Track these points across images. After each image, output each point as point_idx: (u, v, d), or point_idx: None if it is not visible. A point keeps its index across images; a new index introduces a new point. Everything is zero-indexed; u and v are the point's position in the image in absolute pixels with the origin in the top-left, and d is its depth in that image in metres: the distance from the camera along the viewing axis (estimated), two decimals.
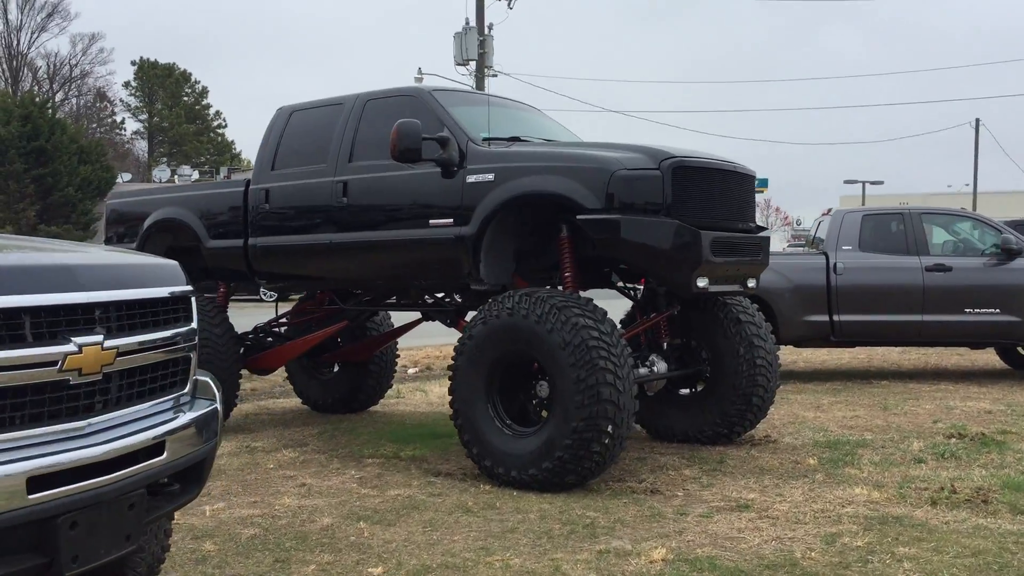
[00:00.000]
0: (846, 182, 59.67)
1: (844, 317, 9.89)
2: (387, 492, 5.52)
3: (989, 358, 12.10)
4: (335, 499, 5.38)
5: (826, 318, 9.93)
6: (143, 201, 8.17)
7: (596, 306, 5.54)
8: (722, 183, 5.97)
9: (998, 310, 9.66)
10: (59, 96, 63.07)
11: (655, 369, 6.41)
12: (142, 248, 7.94)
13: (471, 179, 6.07)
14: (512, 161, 5.98)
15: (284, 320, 8.52)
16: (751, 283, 6.30)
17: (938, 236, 10.27)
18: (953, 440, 6.87)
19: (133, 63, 68.64)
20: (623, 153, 5.77)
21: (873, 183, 59.69)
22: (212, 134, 71.55)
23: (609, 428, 5.27)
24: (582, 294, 5.85)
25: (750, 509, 5.05)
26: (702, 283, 5.76)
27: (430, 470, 6.12)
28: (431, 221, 6.24)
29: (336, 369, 8.87)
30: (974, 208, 52.95)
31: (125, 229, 8.14)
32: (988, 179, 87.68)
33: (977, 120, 52.69)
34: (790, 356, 12.84)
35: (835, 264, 9.95)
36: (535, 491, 5.45)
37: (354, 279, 7.06)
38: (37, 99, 46.01)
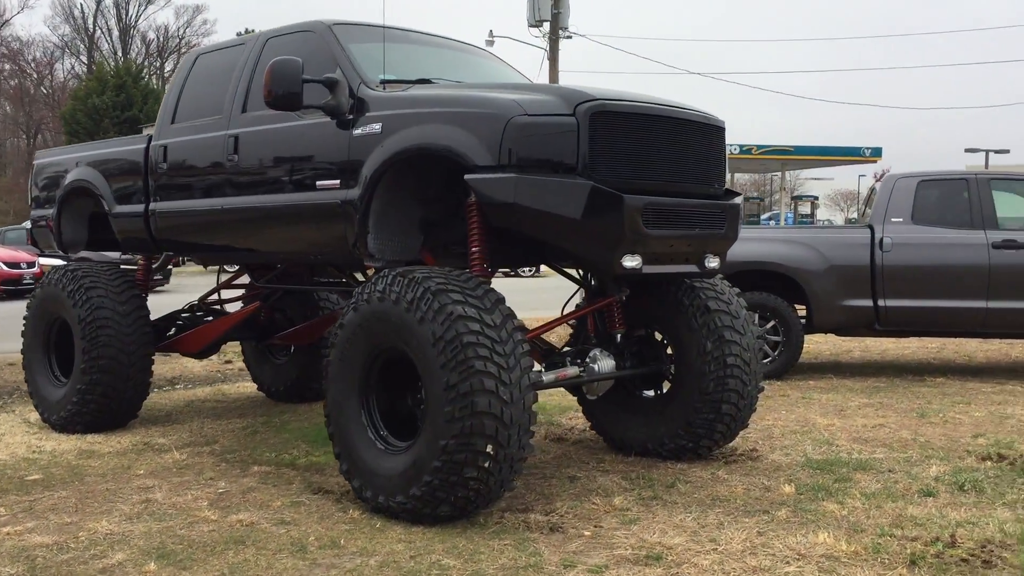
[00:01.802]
0: (967, 151, 55.68)
1: (891, 302, 8.33)
2: (230, 517, 4.50)
3: None
4: (159, 524, 4.39)
5: (870, 303, 8.39)
6: (62, 161, 7.31)
7: (490, 291, 4.35)
8: (667, 135, 4.64)
9: None
10: (167, 67, 64.46)
11: (598, 367, 5.17)
12: (59, 217, 7.13)
13: (358, 131, 4.94)
14: (402, 108, 4.82)
15: (226, 296, 7.60)
16: (711, 262, 4.98)
17: (1012, 207, 8.54)
18: (987, 464, 5.40)
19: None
20: (529, 95, 4.53)
21: (998, 152, 55.59)
22: None
23: (488, 448, 4.10)
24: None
25: (660, 563, 3.82)
26: (631, 263, 4.49)
27: (313, 484, 5.08)
28: (319, 183, 5.15)
29: (292, 353, 7.92)
30: None
31: (46, 194, 7.32)
32: None
33: None
34: (845, 344, 11.26)
35: (881, 239, 8.38)
36: (405, 522, 4.34)
37: (251, 252, 6.03)
38: (132, 68, 46.86)
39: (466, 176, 4.42)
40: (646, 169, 4.53)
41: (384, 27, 5.41)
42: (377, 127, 4.82)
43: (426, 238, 5.19)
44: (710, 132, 4.91)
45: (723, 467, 5.38)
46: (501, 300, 4.36)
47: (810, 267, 8.44)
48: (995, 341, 11.14)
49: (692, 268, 4.93)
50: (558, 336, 9.14)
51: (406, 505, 4.29)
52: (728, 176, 5.24)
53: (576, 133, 4.34)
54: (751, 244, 8.68)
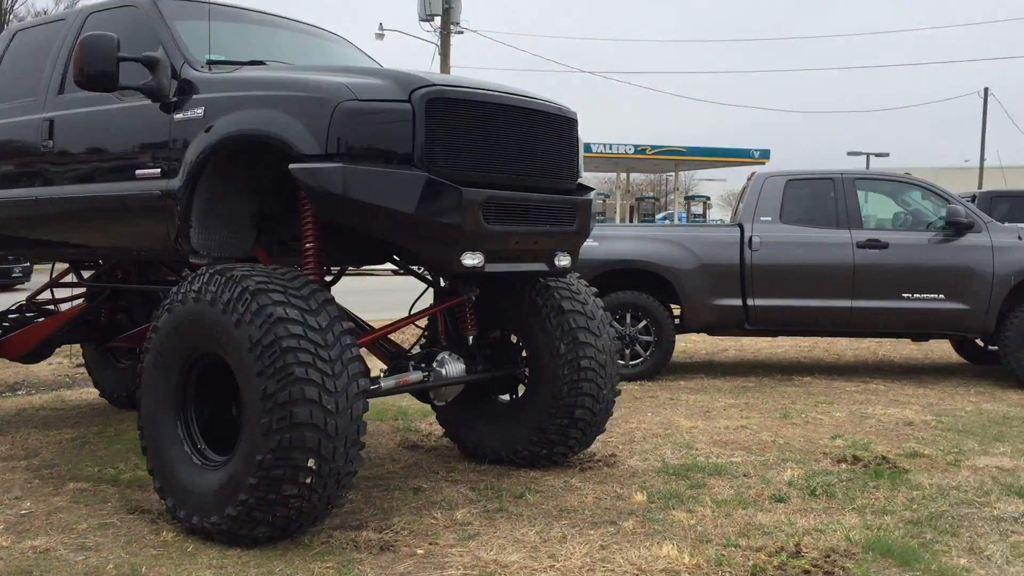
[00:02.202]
0: (850, 154, 57.53)
1: (760, 301, 8.31)
2: (25, 543, 4.03)
3: (946, 349, 10.50)
4: None
5: (739, 302, 8.35)
6: None
7: (317, 291, 4.00)
8: (512, 125, 4.37)
9: (942, 296, 8.05)
10: None
11: (446, 371, 4.87)
12: None
13: (179, 116, 4.52)
14: (226, 91, 4.42)
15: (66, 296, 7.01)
16: (562, 260, 4.74)
17: (878, 207, 8.63)
18: (842, 467, 5.33)
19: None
20: (360, 79, 4.20)
21: (878, 155, 57.70)
22: None
23: (310, 463, 3.75)
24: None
25: None
26: (471, 261, 4.21)
27: (131, 503, 4.63)
28: (138, 172, 4.70)
29: (136, 356, 7.37)
30: (979, 185, 51.04)
31: None
32: (1005, 154, 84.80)
33: (986, 89, 50.55)
34: (721, 343, 11.28)
35: (751, 238, 8.35)
36: (220, 545, 3.95)
37: (71, 247, 5.51)
38: None
39: (291, 166, 4.06)
40: (488, 160, 4.25)
41: (210, 3, 4.99)
42: (199, 111, 4.41)
43: (261, 233, 4.80)
44: (560, 123, 4.67)
45: (578, 474, 5.16)
46: (329, 301, 4.02)
47: (681, 266, 8.35)
48: (864, 340, 11.33)
49: (541, 267, 4.68)
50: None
51: (221, 526, 3.90)
52: (583, 170, 4.99)
53: (411, 120, 4.03)
54: (623, 243, 8.55)
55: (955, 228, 8.08)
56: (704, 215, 53.84)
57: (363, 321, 5.37)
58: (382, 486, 4.94)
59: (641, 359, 8.44)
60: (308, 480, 3.77)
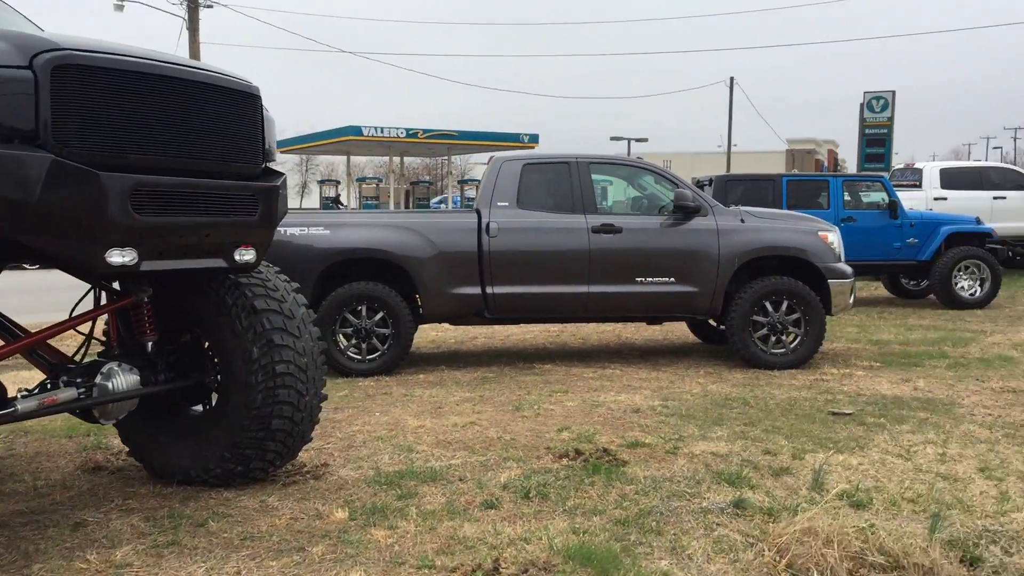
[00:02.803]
0: (612, 139, 60.04)
1: (499, 289, 8.09)
2: None
3: (684, 330, 10.79)
4: None
5: (478, 290, 8.09)
6: None
7: None
8: (168, 99, 3.75)
9: (672, 279, 8.17)
10: None
11: (113, 384, 4.19)
12: None
13: None
14: None
15: None
16: (244, 255, 4.19)
17: (616, 191, 8.63)
18: (563, 462, 5.13)
19: None
20: None
21: (638, 140, 60.46)
22: None
23: None
24: None
25: None
26: (120, 258, 3.57)
27: None
28: None
29: None
30: (728, 168, 54.65)
31: None
32: (750, 140, 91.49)
33: (731, 79, 54.12)
34: (470, 330, 11.04)
35: (488, 224, 8.10)
36: None
37: None
38: None
39: None
40: (137, 140, 3.62)
41: None
42: None
43: None
44: (234, 98, 4.09)
45: (278, 491, 4.64)
46: None
47: (418, 254, 7.97)
48: (609, 323, 11.46)
49: (217, 263, 4.10)
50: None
51: None
52: (275, 152, 4.45)
53: (33, 91, 3.33)
54: (356, 230, 8.06)
55: (683, 212, 8.20)
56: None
57: (15, 325, 4.55)
58: (38, 522, 4.21)
59: (378, 353, 8.01)
60: None
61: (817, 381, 7.56)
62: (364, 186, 50.96)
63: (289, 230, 7.92)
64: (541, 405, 6.65)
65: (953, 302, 13.11)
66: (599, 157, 8.57)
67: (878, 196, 13.80)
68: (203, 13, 25.48)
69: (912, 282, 14.77)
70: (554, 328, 11.15)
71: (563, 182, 8.30)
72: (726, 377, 7.81)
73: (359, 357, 7.99)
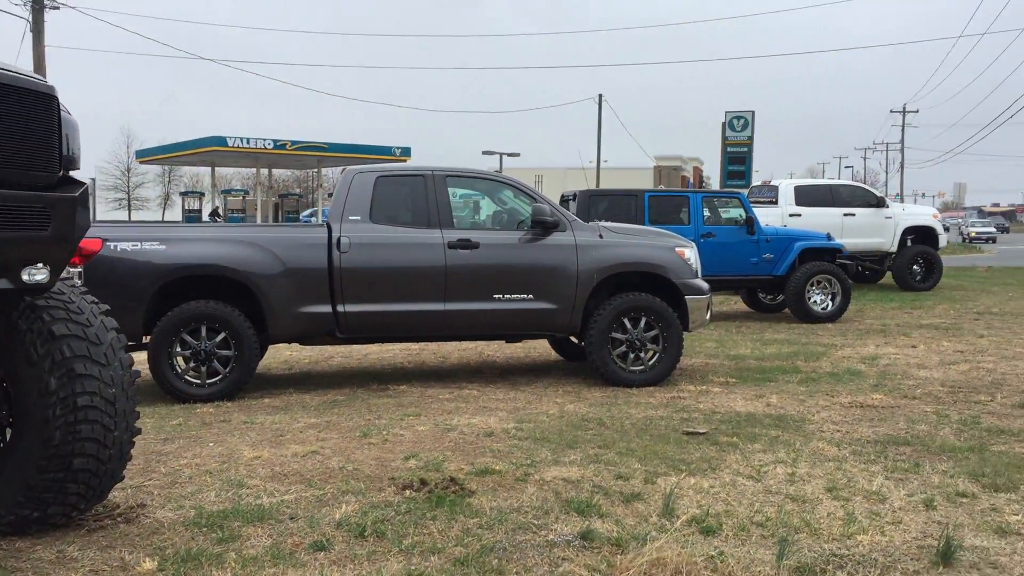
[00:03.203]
0: (484, 153, 60.14)
1: (351, 307, 7.71)
2: None
3: (546, 346, 10.65)
4: None
5: (329, 308, 7.69)
6: None
7: None
8: None
9: (531, 295, 7.98)
10: None
11: None
12: None
13: None
14: None
15: None
16: (35, 274, 3.71)
17: (468, 205, 8.38)
18: (407, 494, 4.82)
19: None
20: None
21: (510, 155, 60.81)
22: None
23: None
24: None
25: None
26: None
27: None
28: None
29: None
30: (597, 184, 55.58)
31: None
32: (621, 157, 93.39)
33: (600, 96, 55.15)
34: (326, 350, 10.57)
35: (339, 239, 7.72)
36: None
37: None
38: None
39: None
40: None
41: None
42: None
43: None
44: (23, 98, 3.61)
45: (82, 538, 4.15)
46: None
47: (263, 271, 7.51)
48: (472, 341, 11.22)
49: (2, 283, 3.61)
50: None
51: None
52: (78, 160, 3.99)
53: None
54: (196, 245, 7.54)
55: (542, 227, 8.03)
56: None
57: None
58: None
59: (220, 377, 7.49)
60: None
61: (674, 399, 7.50)
62: (230, 198, 49.37)
63: (120, 245, 7.33)
64: (391, 430, 6.32)
65: (806, 316, 13.47)
66: (456, 170, 8.31)
67: (736, 212, 14.09)
68: (50, 15, 24.03)
69: (769, 296, 15.14)
70: (414, 347, 10.81)
71: (418, 196, 8.01)
72: (584, 396, 7.66)
73: (198, 381, 7.46)
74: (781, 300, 14.61)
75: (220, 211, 46.04)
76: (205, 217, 46.15)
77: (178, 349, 7.44)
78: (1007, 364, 9.29)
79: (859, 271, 20.14)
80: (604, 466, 5.39)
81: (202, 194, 55.68)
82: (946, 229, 23.15)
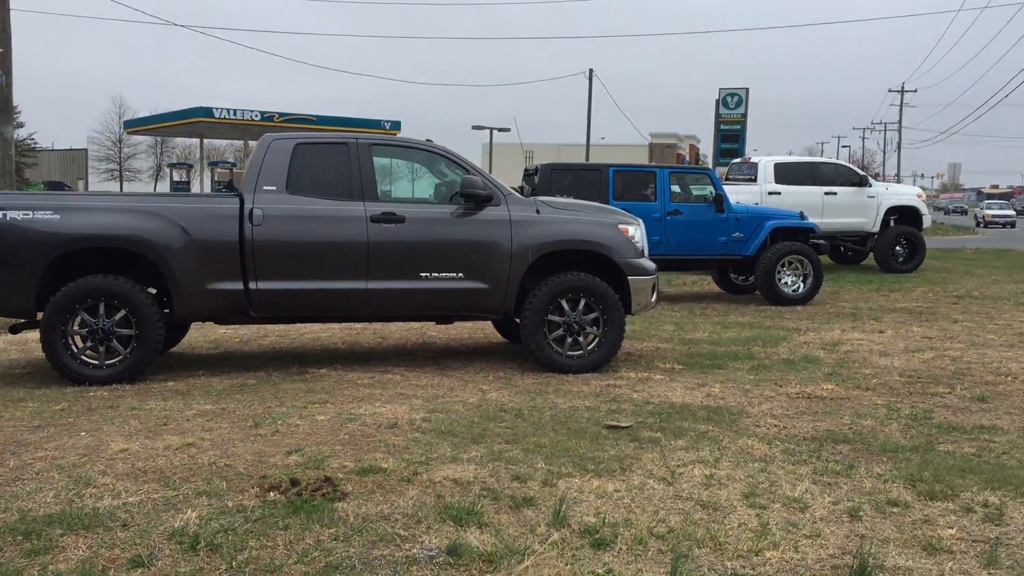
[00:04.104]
0: (474, 128, 59.28)
1: (264, 284, 7.15)
2: None
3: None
4: None
5: (240, 285, 7.13)
6: None
7: None
8: None
9: (461, 274, 7.42)
10: None
11: None
12: None
13: None
14: None
15: None
16: None
17: (394, 176, 7.81)
18: (271, 495, 4.30)
19: None
20: None
21: (500, 129, 60.01)
22: None
23: None
24: None
25: None
26: None
27: None
28: None
29: None
30: (587, 159, 54.84)
31: None
32: (618, 135, 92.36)
33: (591, 70, 54.21)
34: (261, 328, 10.03)
35: (252, 210, 7.14)
36: None
37: None
38: None
39: None
40: None
41: None
42: None
43: None
44: None
45: None
46: None
47: (167, 243, 6.92)
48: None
49: None
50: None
51: None
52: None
53: None
54: (94, 215, 6.96)
55: (473, 200, 7.46)
56: None
57: None
58: None
59: (120, 357, 6.94)
60: None
61: (609, 387, 6.96)
62: (218, 171, 48.65)
63: (10, 214, 6.76)
64: (287, 420, 5.78)
65: (776, 298, 12.93)
66: (381, 139, 7.70)
67: (707, 190, 13.52)
68: None
69: (741, 277, 14.59)
70: (354, 326, 10.26)
71: (341, 166, 7.41)
72: (515, 383, 7.11)
73: (96, 362, 6.91)
74: (752, 281, 14.07)
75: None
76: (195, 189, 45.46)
77: (75, 328, 6.88)
78: (975, 352, 8.76)
79: (841, 251, 19.61)
80: (504, 464, 4.86)
81: (191, 166, 54.89)
82: (960, 211, 22.54)
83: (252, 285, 7.13)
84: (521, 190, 15.97)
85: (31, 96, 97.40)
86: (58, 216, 6.83)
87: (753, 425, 5.84)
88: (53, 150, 73.37)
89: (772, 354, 8.62)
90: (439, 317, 7.87)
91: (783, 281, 13.05)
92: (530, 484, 4.56)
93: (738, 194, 16.92)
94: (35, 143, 64.23)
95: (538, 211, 7.63)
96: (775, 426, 5.82)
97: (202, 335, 9.51)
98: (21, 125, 63.45)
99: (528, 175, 14.04)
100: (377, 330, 10.02)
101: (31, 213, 6.79)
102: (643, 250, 7.96)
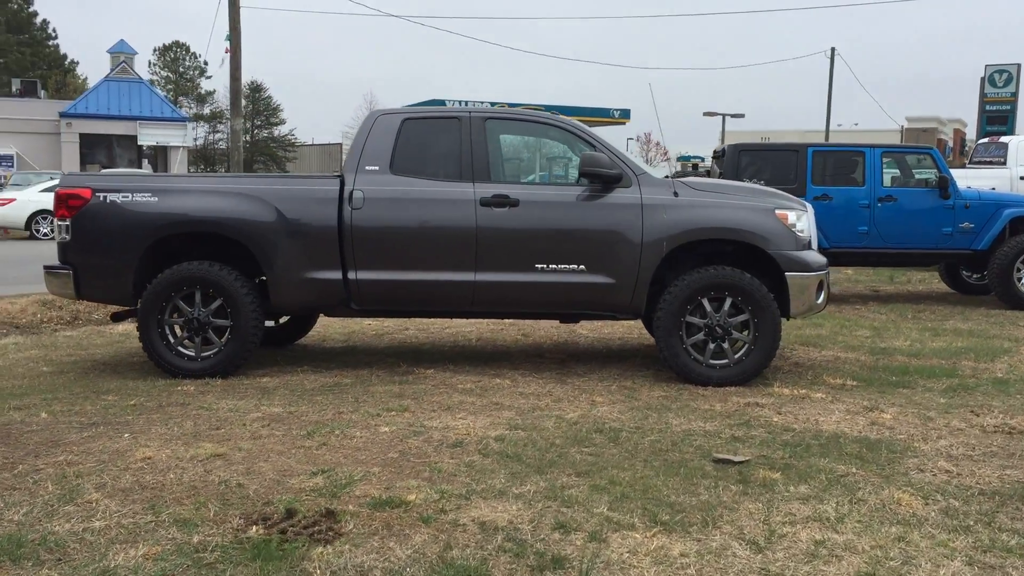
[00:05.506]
0: (705, 115, 56.99)
1: (364, 274, 6.49)
2: None
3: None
4: None
5: (339, 275, 6.52)
6: None
7: None
8: None
9: (583, 267, 6.41)
10: None
11: None
12: None
13: None
14: None
15: None
16: None
17: (513, 152, 6.87)
18: (253, 531, 3.57)
19: None
20: None
21: (734, 116, 57.34)
22: (41, 47, 64.09)
23: None
24: None
25: None
26: None
27: None
28: None
29: None
30: None
31: None
32: (869, 119, 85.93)
33: (832, 49, 50.51)
34: (402, 322, 9.46)
35: (352, 193, 6.50)
36: None
37: None
38: None
39: None
40: None
41: None
42: None
43: None
44: None
45: None
46: None
47: (261, 227, 6.43)
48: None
49: None
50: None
51: None
52: None
53: None
54: (188, 197, 6.58)
55: (598, 180, 6.41)
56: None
57: None
58: None
59: (214, 350, 6.54)
60: None
61: (748, 406, 5.71)
62: None
63: (110, 197, 6.52)
64: (347, 430, 5.06)
65: (1014, 301, 10.80)
66: (497, 112, 6.82)
67: (930, 173, 11.57)
68: None
69: (975, 275, 12.42)
70: (503, 320, 9.45)
71: (451, 143, 6.61)
72: (637, 396, 6.02)
73: (191, 354, 6.55)
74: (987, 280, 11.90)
75: None
76: None
77: (171, 317, 6.56)
78: None
79: None
80: (558, 506, 3.86)
81: None
82: None
83: (351, 275, 6.50)
84: (708, 173, 14.57)
85: (294, 96, 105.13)
86: (156, 199, 6.52)
87: (915, 469, 4.44)
88: (312, 145, 78.49)
89: (983, 371, 6.93)
90: (557, 315, 6.88)
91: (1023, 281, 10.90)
92: (573, 537, 3.54)
93: (983, 179, 14.61)
94: (295, 138, 68.54)
95: (676, 193, 6.46)
96: (946, 472, 4.39)
97: (341, 325, 9.10)
98: (283, 122, 68.30)
99: (716, 157, 12.67)
100: (522, 326, 9.18)
101: (131, 196, 6.52)
102: (808, 241, 6.57)
